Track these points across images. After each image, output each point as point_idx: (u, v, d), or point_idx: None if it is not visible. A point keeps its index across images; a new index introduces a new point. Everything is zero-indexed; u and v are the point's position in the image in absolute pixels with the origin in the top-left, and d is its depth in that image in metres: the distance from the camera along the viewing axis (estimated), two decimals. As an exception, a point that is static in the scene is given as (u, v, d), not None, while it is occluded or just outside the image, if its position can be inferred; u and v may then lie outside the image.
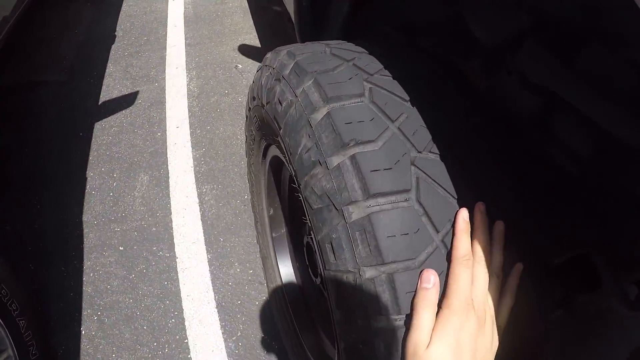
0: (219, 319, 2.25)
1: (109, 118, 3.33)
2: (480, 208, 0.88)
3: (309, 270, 1.64)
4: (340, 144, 0.89)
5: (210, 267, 2.44)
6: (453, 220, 0.86)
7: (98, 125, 3.27)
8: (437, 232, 0.85)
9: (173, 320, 2.25)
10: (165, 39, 4.11)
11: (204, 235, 2.58)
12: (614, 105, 0.87)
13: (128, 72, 3.75)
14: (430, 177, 0.87)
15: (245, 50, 3.80)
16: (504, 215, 0.93)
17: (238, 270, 2.42)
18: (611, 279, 1.00)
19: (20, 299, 1.72)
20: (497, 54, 1.17)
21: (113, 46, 4.05)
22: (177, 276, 2.41)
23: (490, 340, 0.83)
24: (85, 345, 2.20)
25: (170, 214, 2.68)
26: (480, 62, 1.23)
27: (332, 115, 0.93)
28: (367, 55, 1.12)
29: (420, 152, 0.89)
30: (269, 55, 1.35)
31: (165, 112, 3.36)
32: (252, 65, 3.72)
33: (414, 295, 0.82)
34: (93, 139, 3.17)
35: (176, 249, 2.52)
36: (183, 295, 2.34)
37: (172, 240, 2.56)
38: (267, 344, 2.18)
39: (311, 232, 1.04)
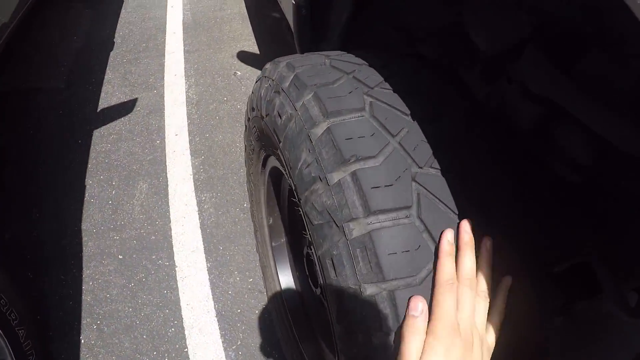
0: (219, 328, 2.25)
1: (108, 125, 3.32)
2: (465, 228, 0.86)
3: (309, 280, 1.64)
4: (340, 160, 0.89)
5: (209, 276, 2.43)
6: (437, 241, 0.85)
7: (97, 133, 3.26)
8: (438, 248, 0.84)
9: (173, 329, 2.25)
10: (164, 46, 4.10)
11: (204, 244, 2.57)
12: (615, 114, 0.87)
13: (127, 79, 3.74)
14: (431, 193, 0.87)
15: (244, 57, 3.79)
16: (506, 224, 0.93)
17: (238, 278, 2.41)
18: (611, 285, 0.99)
19: (19, 308, 1.71)
20: (497, 61, 1.17)
21: (112, 53, 4.04)
22: (177, 285, 2.41)
23: None
24: (84, 354, 2.19)
25: (170, 222, 2.68)
26: (480, 69, 1.23)
27: (333, 130, 0.93)
28: (367, 67, 1.11)
29: (421, 168, 0.89)
30: (268, 66, 1.35)
31: (164, 120, 3.35)
32: (250, 72, 3.72)
33: (402, 322, 0.81)
34: (92, 146, 3.16)
35: (175, 258, 2.51)
36: (183, 304, 2.33)
37: (171, 248, 2.55)
38: (267, 353, 2.17)
39: (311, 245, 1.04)
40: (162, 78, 3.74)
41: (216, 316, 2.29)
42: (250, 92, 1.47)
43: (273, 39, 4.08)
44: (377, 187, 0.85)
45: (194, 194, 2.83)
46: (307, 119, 0.99)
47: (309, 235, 1.02)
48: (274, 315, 1.99)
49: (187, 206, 2.75)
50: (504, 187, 0.97)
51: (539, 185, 1.10)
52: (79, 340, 2.22)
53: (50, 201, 2.80)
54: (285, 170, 1.14)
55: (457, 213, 0.87)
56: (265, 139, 1.36)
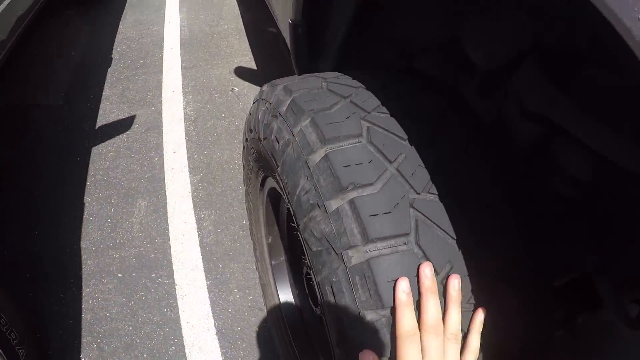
0: (219, 346, 2.24)
1: (106, 142, 3.33)
2: (426, 272, 0.83)
3: (309, 298, 1.64)
4: (338, 188, 0.89)
5: (209, 294, 2.43)
6: (393, 291, 0.83)
7: (95, 150, 3.26)
8: (437, 274, 0.85)
9: (173, 347, 2.24)
10: (162, 62, 4.12)
11: (203, 262, 2.57)
12: (612, 130, 0.87)
13: (125, 95, 3.75)
14: (429, 219, 0.87)
15: (242, 72, 3.80)
16: (505, 244, 0.93)
17: (237, 296, 2.41)
18: (612, 298, 1.00)
19: (19, 327, 1.71)
20: (494, 76, 1.17)
21: (109, 69, 4.06)
22: (177, 303, 2.40)
23: None
24: (84, 374, 2.19)
25: (169, 240, 2.67)
26: (476, 84, 1.24)
27: (330, 158, 0.93)
28: (364, 90, 1.11)
29: (418, 194, 0.89)
30: (265, 88, 1.35)
31: (162, 137, 3.35)
32: (248, 88, 3.72)
33: None
34: (90, 164, 3.16)
35: (175, 276, 2.51)
36: (183, 322, 2.33)
37: (170, 266, 2.55)
38: (268, 370, 2.17)
39: (311, 269, 1.04)
40: (160, 94, 3.75)
41: (216, 334, 2.28)
42: (248, 113, 1.48)
43: (270, 54, 4.09)
44: (375, 214, 0.85)
45: (193, 211, 2.83)
46: (304, 145, 0.99)
47: (308, 260, 1.02)
48: (274, 333, 1.99)
49: (186, 224, 2.75)
50: (502, 208, 0.97)
51: (539, 202, 1.11)
52: (79, 359, 2.21)
53: (49, 219, 2.80)
54: (283, 194, 1.14)
55: (455, 239, 0.87)
56: (263, 160, 1.36)
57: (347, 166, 0.91)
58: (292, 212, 1.07)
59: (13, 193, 2.96)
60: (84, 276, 2.52)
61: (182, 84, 3.83)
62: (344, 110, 1.03)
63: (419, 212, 0.87)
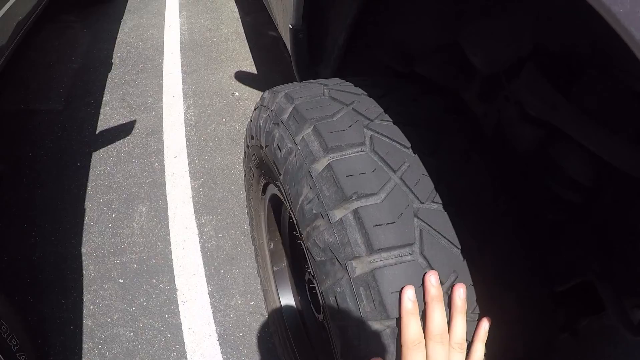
0: (221, 352, 2.23)
1: (107, 147, 3.32)
2: (431, 281, 0.82)
3: (311, 305, 1.63)
4: (342, 197, 0.88)
5: (211, 299, 2.42)
6: (398, 299, 0.83)
7: (96, 155, 3.25)
8: (442, 284, 0.84)
9: (175, 353, 2.23)
10: (162, 67, 4.11)
11: (204, 267, 2.56)
12: (614, 135, 0.87)
13: (125, 100, 3.74)
14: (434, 229, 0.86)
15: (242, 77, 3.80)
16: (509, 249, 0.93)
17: (239, 302, 2.40)
18: (614, 303, 0.99)
19: (20, 333, 1.69)
20: (494, 80, 1.17)
21: (110, 74, 4.05)
22: (178, 309, 2.39)
23: None
24: (86, 380, 2.18)
25: (170, 245, 2.67)
26: (477, 87, 1.23)
27: (333, 167, 0.92)
28: (366, 97, 1.11)
29: (423, 203, 0.88)
30: (266, 95, 1.34)
31: (163, 142, 3.35)
32: (249, 93, 3.72)
33: None
34: (91, 169, 3.15)
35: (176, 281, 2.50)
36: (184, 328, 2.32)
37: (172, 272, 2.54)
38: (270, 377, 2.16)
39: (314, 278, 1.03)
40: (161, 99, 3.74)
41: (218, 340, 2.27)
42: (249, 119, 1.47)
43: (271, 58, 4.09)
44: (379, 225, 0.84)
45: (194, 216, 2.82)
46: (307, 154, 0.99)
47: (311, 269, 1.02)
48: (275, 339, 1.98)
49: (187, 229, 2.75)
50: (506, 215, 0.97)
51: (539, 206, 1.10)
52: (81, 366, 2.21)
53: (50, 224, 2.79)
54: (286, 202, 1.14)
55: (460, 248, 0.87)
56: (265, 167, 1.36)
57: (350, 175, 0.90)
58: (294, 221, 1.07)
59: (13, 198, 2.94)
60: (84, 282, 2.51)
61: (183, 89, 3.83)
62: (346, 118, 1.03)
63: (424, 221, 0.86)
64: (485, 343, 0.86)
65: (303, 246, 1.02)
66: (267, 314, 2.07)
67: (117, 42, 4.52)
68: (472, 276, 0.86)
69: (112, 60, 4.22)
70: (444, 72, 1.37)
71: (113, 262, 2.60)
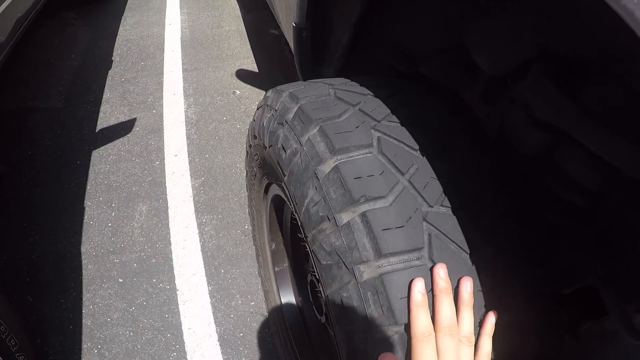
0: (221, 352, 2.21)
1: (107, 146, 3.30)
2: (440, 274, 0.82)
3: (313, 307, 1.62)
4: (349, 200, 0.87)
5: (211, 299, 2.41)
6: (408, 292, 0.82)
7: (96, 153, 3.23)
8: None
9: (175, 354, 2.22)
10: (163, 64, 4.10)
11: (205, 267, 2.54)
12: (620, 139, 0.85)
13: (125, 98, 3.72)
14: (443, 233, 0.85)
15: (243, 75, 3.78)
16: (517, 251, 0.91)
17: (239, 302, 2.39)
18: (617, 307, 0.98)
19: (19, 333, 1.68)
20: (499, 82, 1.16)
21: (110, 71, 4.03)
22: (178, 309, 2.38)
23: None
24: (85, 380, 2.16)
25: (170, 244, 2.65)
26: (481, 89, 1.22)
27: (341, 169, 0.90)
28: (373, 98, 1.09)
29: (431, 207, 0.87)
30: (269, 94, 1.33)
31: (163, 140, 3.33)
32: (250, 91, 3.70)
33: None
34: (90, 167, 3.13)
35: (176, 281, 2.48)
36: (184, 328, 2.30)
37: (172, 271, 2.53)
38: (271, 378, 2.14)
39: (320, 282, 1.01)
40: (161, 97, 3.72)
41: (218, 340, 2.26)
42: (252, 119, 1.45)
43: (272, 57, 4.07)
44: (388, 229, 0.83)
45: (194, 216, 2.80)
46: (313, 155, 0.97)
47: (316, 273, 1.00)
48: (276, 340, 1.97)
49: (188, 228, 2.73)
50: (514, 218, 0.96)
51: (542, 209, 1.09)
52: (80, 366, 2.19)
53: (49, 223, 2.77)
54: (290, 204, 1.12)
55: (469, 252, 0.85)
56: (268, 167, 1.34)
57: (358, 178, 0.89)
58: (299, 223, 1.05)
59: (12, 197, 2.93)
60: (84, 281, 2.49)
61: (183, 87, 3.81)
62: (353, 119, 1.01)
63: (432, 225, 0.85)
64: (493, 337, 0.85)
65: (308, 249, 1.01)
66: (268, 314, 2.06)
67: (117, 39, 4.50)
68: (481, 281, 0.85)
69: (113, 58, 4.20)
70: (448, 72, 1.36)
71: (113, 261, 2.58)
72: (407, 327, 0.81)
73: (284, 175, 1.10)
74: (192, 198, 2.91)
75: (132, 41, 4.46)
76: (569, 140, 0.96)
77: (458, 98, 1.32)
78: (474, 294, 0.83)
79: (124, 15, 4.94)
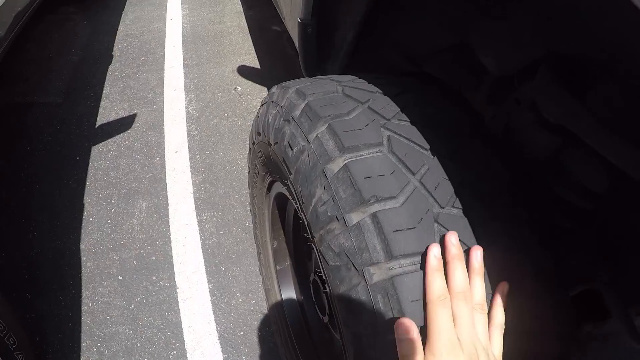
0: (222, 351, 2.20)
1: (107, 141, 3.28)
2: (452, 241, 0.81)
3: (316, 306, 1.60)
4: (360, 200, 0.84)
5: (211, 297, 2.39)
6: (423, 257, 0.81)
7: (95, 149, 3.21)
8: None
9: (174, 352, 2.20)
10: (164, 60, 4.08)
11: (205, 264, 2.52)
12: (629, 143, 0.84)
13: (125, 93, 3.70)
14: (455, 235, 0.83)
15: (245, 71, 3.77)
16: (528, 253, 0.90)
17: (240, 300, 2.37)
18: (619, 310, 0.98)
19: (18, 332, 1.67)
20: (505, 82, 1.14)
21: (110, 67, 4.01)
22: (178, 307, 2.36)
23: None
24: (84, 378, 2.14)
25: (170, 242, 2.63)
26: (486, 90, 1.20)
27: (350, 168, 0.88)
28: (382, 95, 1.07)
29: (443, 208, 0.85)
30: (275, 90, 1.31)
31: (164, 136, 3.31)
32: (251, 88, 3.69)
33: (397, 349, 0.76)
34: (90, 163, 3.11)
35: (176, 279, 2.46)
36: (184, 326, 2.29)
37: (172, 269, 2.51)
38: (271, 377, 2.13)
39: (325, 283, 1.00)
40: (162, 93, 3.70)
41: (218, 339, 2.24)
42: (256, 115, 1.43)
43: (274, 53, 4.06)
44: (399, 230, 0.81)
45: (194, 213, 2.79)
46: (321, 153, 0.95)
47: (323, 274, 0.98)
48: (277, 338, 1.95)
49: (188, 226, 2.71)
50: (522, 219, 0.94)
51: (547, 211, 1.08)
52: (79, 364, 2.18)
53: (48, 220, 2.75)
54: (296, 203, 1.10)
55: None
56: (272, 165, 1.32)
57: (368, 177, 0.86)
58: (305, 222, 1.03)
59: (11, 193, 2.91)
60: (83, 278, 2.47)
61: (184, 83, 3.79)
62: (362, 116, 0.99)
63: (444, 227, 0.83)
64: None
65: (314, 249, 0.99)
66: (269, 312, 2.04)
67: (117, 34, 4.48)
68: (492, 283, 0.84)
69: (113, 53, 4.18)
70: (452, 72, 1.34)
71: (112, 258, 2.56)
72: (422, 293, 0.80)
73: (290, 174, 1.07)
74: (192, 195, 2.89)
75: (133, 36, 4.44)
76: (575, 142, 0.95)
77: (463, 98, 1.30)
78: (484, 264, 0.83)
79: (125, 10, 4.92)
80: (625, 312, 0.97)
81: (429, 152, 0.92)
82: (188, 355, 2.19)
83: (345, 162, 0.90)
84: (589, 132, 0.90)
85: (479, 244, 0.84)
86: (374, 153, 0.91)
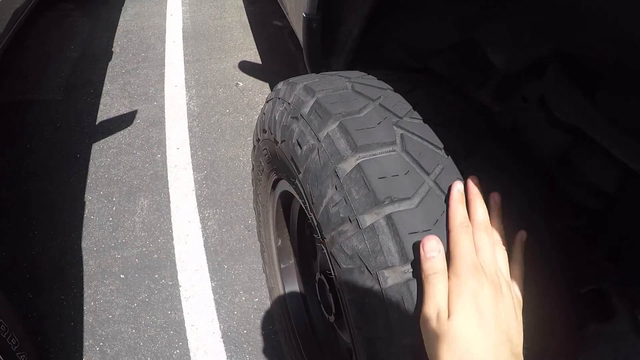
0: (225, 350, 2.18)
1: (107, 138, 3.26)
2: (474, 181, 0.84)
3: (321, 305, 1.58)
4: (374, 201, 0.82)
5: (214, 296, 2.37)
6: (447, 192, 0.84)
7: (96, 146, 3.19)
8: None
9: (178, 351, 2.18)
10: (164, 56, 4.06)
11: (207, 262, 2.50)
12: (637, 140, 0.82)
13: (126, 90, 3.68)
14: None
15: (246, 67, 3.75)
16: (544, 256, 0.89)
17: (243, 298, 2.35)
18: (626, 310, 0.98)
19: (19, 332, 1.66)
20: (513, 79, 1.12)
21: (110, 63, 4.00)
22: (181, 305, 2.34)
23: (512, 307, 0.76)
24: (87, 378, 2.13)
25: (172, 239, 2.61)
26: (493, 87, 1.18)
27: (364, 168, 0.86)
28: (393, 92, 1.05)
29: None
30: (281, 86, 1.28)
31: (165, 133, 3.29)
32: (253, 83, 3.66)
33: (420, 268, 0.76)
34: (91, 160, 3.09)
35: (179, 277, 2.44)
36: (187, 325, 2.27)
37: (174, 267, 2.49)
38: (275, 376, 2.11)
39: (332, 283, 0.97)
40: (162, 89, 3.68)
41: (222, 337, 2.22)
42: (261, 112, 1.41)
43: (275, 48, 4.04)
44: (415, 232, 0.78)
45: (196, 210, 2.76)
46: (332, 152, 0.92)
47: (334, 276, 0.95)
48: (281, 337, 1.93)
49: (190, 223, 2.69)
50: (538, 222, 0.92)
51: (558, 211, 1.07)
52: (81, 363, 2.16)
53: (49, 218, 2.73)
54: (305, 203, 1.07)
55: None
56: (278, 163, 1.30)
57: (382, 178, 0.84)
58: (314, 223, 1.01)
59: (11, 191, 2.89)
60: (85, 277, 2.46)
61: (185, 79, 3.77)
62: (374, 114, 0.97)
63: None
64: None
65: (325, 251, 0.96)
66: (272, 311, 2.02)
67: (117, 30, 4.46)
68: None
69: (113, 49, 4.17)
70: (459, 68, 1.32)
71: (114, 256, 2.54)
72: (445, 223, 0.82)
73: (299, 172, 1.05)
74: (194, 192, 2.87)
75: (133, 32, 4.42)
76: (586, 141, 0.92)
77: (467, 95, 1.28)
78: None
79: (124, 5, 4.90)
80: (633, 314, 0.97)
81: (443, 151, 0.89)
82: (191, 354, 2.17)
83: (358, 161, 0.87)
84: (599, 130, 0.88)
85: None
86: (387, 152, 0.88)
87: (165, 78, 3.80)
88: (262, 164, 1.52)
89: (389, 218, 0.80)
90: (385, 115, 0.95)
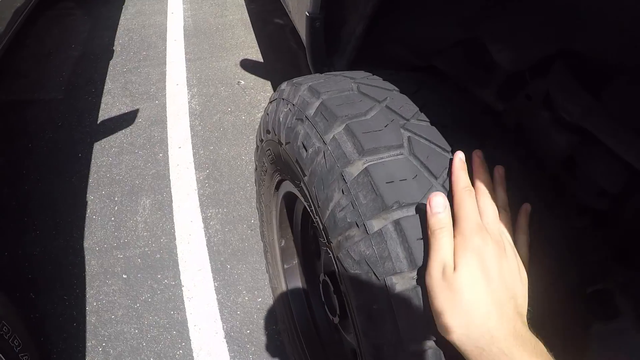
0: (228, 350, 2.18)
1: (109, 138, 3.25)
2: (478, 154, 0.86)
3: (325, 306, 1.57)
4: (382, 206, 0.81)
5: (217, 296, 2.36)
6: (450, 161, 0.85)
7: (97, 146, 3.18)
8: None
9: (181, 351, 2.18)
10: (165, 54, 4.05)
11: (210, 262, 2.50)
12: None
13: (127, 88, 3.67)
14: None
15: (248, 65, 3.74)
16: (556, 258, 0.89)
17: (246, 298, 2.34)
18: (630, 310, 0.97)
19: (22, 333, 1.66)
20: (517, 78, 1.11)
21: (111, 62, 3.98)
22: (184, 305, 2.33)
23: (516, 266, 0.77)
24: (90, 379, 2.12)
25: (175, 239, 2.60)
26: (497, 85, 1.17)
27: (371, 172, 0.84)
28: (399, 94, 1.04)
29: None
30: (285, 87, 1.27)
31: (167, 132, 3.28)
32: (255, 82, 3.65)
33: (427, 225, 0.77)
34: (92, 160, 3.09)
35: (182, 277, 2.44)
36: (190, 325, 2.26)
37: (177, 267, 2.48)
38: (279, 376, 2.11)
39: (337, 284, 0.96)
40: (164, 88, 3.67)
41: (225, 337, 2.22)
42: (265, 112, 1.40)
43: (277, 46, 4.03)
44: (423, 238, 0.77)
45: (199, 209, 2.76)
46: (339, 155, 0.91)
47: (340, 282, 0.94)
48: (284, 337, 1.93)
49: (193, 223, 2.68)
50: (549, 220, 0.91)
51: (566, 211, 1.06)
52: (84, 364, 2.16)
53: (50, 218, 2.72)
54: (310, 206, 1.06)
55: None
56: (282, 164, 1.29)
57: (390, 182, 0.83)
58: (320, 226, 1.00)
59: (12, 191, 2.88)
60: (87, 277, 2.45)
61: (187, 77, 3.76)
62: (380, 116, 0.95)
63: None
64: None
65: (332, 255, 0.95)
66: (276, 311, 2.01)
67: (118, 29, 4.45)
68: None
69: (114, 48, 4.15)
70: (462, 67, 1.31)
71: (116, 256, 2.54)
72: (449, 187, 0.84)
73: (304, 175, 1.04)
74: (196, 191, 2.87)
75: (134, 30, 4.41)
76: (590, 140, 0.91)
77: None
78: None
79: (125, 4, 4.88)
80: (637, 313, 0.96)
81: (451, 154, 0.88)
82: (194, 354, 2.16)
83: (366, 165, 0.86)
84: (604, 130, 0.87)
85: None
86: (394, 156, 0.87)
87: (167, 76, 3.79)
88: (266, 164, 1.51)
89: (397, 223, 0.79)
90: (392, 118, 0.94)
